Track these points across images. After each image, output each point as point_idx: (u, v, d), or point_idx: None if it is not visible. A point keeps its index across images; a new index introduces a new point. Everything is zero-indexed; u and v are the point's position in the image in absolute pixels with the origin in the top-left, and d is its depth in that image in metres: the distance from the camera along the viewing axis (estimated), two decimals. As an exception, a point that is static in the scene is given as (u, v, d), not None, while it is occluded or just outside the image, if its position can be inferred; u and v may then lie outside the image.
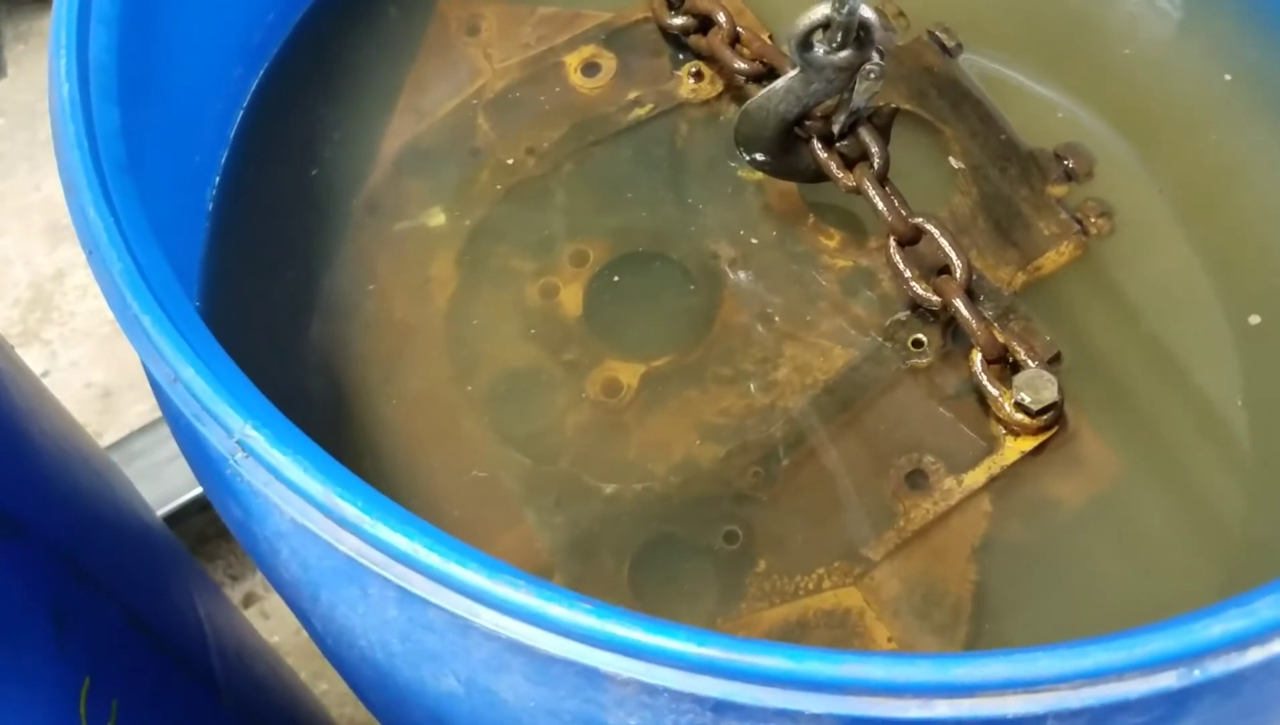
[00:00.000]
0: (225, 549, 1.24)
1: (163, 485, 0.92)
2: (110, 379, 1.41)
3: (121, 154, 0.46)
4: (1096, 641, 0.35)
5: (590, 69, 0.74)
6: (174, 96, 0.60)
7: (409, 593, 0.37)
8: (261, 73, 0.72)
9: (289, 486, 0.38)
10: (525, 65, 0.74)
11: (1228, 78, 0.74)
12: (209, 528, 1.20)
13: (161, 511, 0.95)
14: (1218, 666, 0.35)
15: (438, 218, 0.70)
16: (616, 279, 0.67)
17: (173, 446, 1.16)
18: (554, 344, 0.65)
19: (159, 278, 0.42)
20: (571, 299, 0.67)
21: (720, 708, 0.36)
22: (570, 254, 0.68)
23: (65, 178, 0.45)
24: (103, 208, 0.43)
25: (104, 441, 1.37)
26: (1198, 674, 0.35)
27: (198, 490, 1.06)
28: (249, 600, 1.28)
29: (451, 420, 0.64)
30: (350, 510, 0.37)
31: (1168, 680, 0.35)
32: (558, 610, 0.35)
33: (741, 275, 0.67)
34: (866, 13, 0.56)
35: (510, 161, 0.71)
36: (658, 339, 0.65)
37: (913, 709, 0.35)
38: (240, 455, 0.38)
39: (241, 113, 0.71)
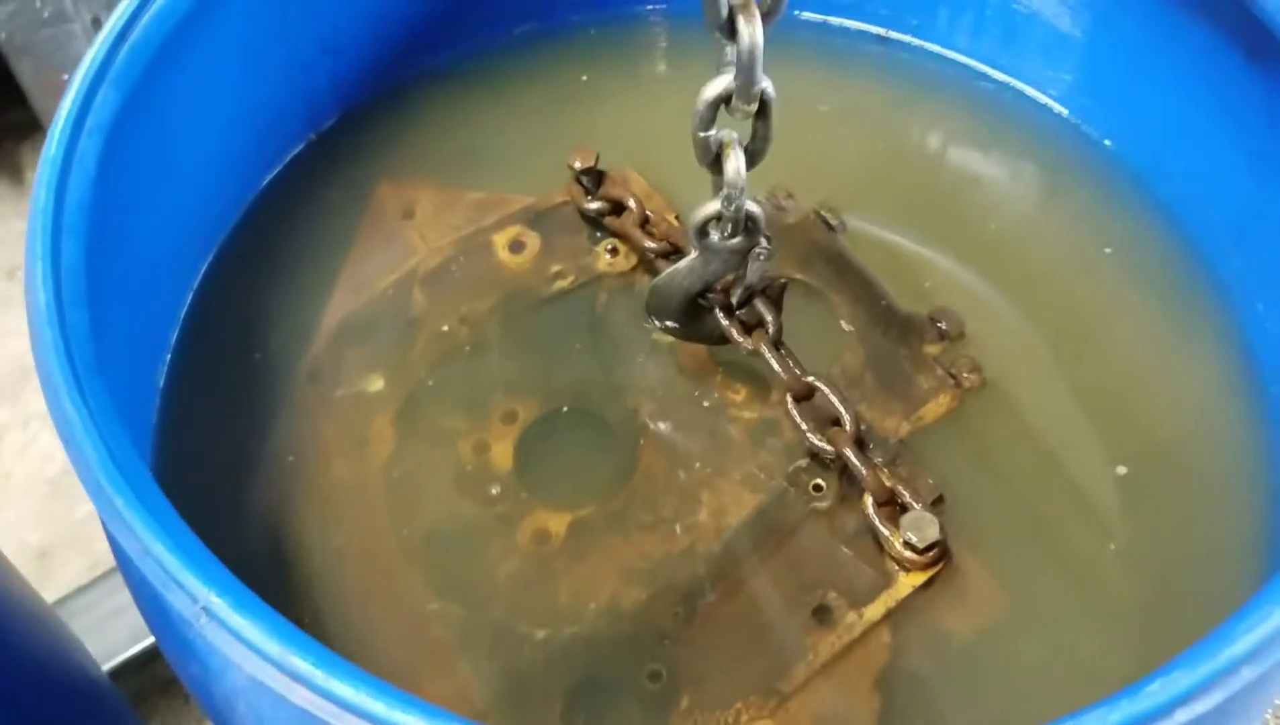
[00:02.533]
0: (162, 705, 1.24)
1: (102, 643, 0.93)
2: (46, 538, 1.42)
3: (90, 353, 0.51)
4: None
5: (516, 246, 0.81)
6: (133, 290, 0.66)
7: (357, 740, 0.42)
8: (210, 258, 0.78)
9: (248, 647, 0.42)
10: (457, 244, 0.81)
11: (1106, 250, 0.82)
12: (146, 684, 1.21)
13: (104, 668, 0.96)
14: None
15: (376, 383, 0.75)
16: (544, 434, 0.73)
17: (109, 605, 1.16)
18: (486, 497, 0.70)
19: (128, 462, 0.47)
20: (502, 454, 0.72)
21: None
22: (501, 413, 0.74)
23: (43, 374, 0.51)
24: (78, 402, 0.48)
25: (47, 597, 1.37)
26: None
27: (137, 648, 1.07)
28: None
29: (388, 573, 0.68)
30: (303, 666, 0.42)
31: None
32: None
33: (659, 427, 0.73)
34: (752, 207, 0.64)
35: (445, 329, 0.77)
36: (584, 489, 0.71)
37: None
38: (204, 620, 0.43)
39: (191, 295, 0.77)
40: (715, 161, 0.62)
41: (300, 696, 0.41)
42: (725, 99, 0.59)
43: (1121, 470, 0.71)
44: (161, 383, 0.74)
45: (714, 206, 0.63)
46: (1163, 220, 0.83)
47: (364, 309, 0.79)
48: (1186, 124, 0.82)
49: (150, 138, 0.69)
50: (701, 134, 0.60)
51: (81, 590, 1.12)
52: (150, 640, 1.08)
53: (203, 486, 0.70)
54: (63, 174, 0.59)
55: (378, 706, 0.41)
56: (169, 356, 0.75)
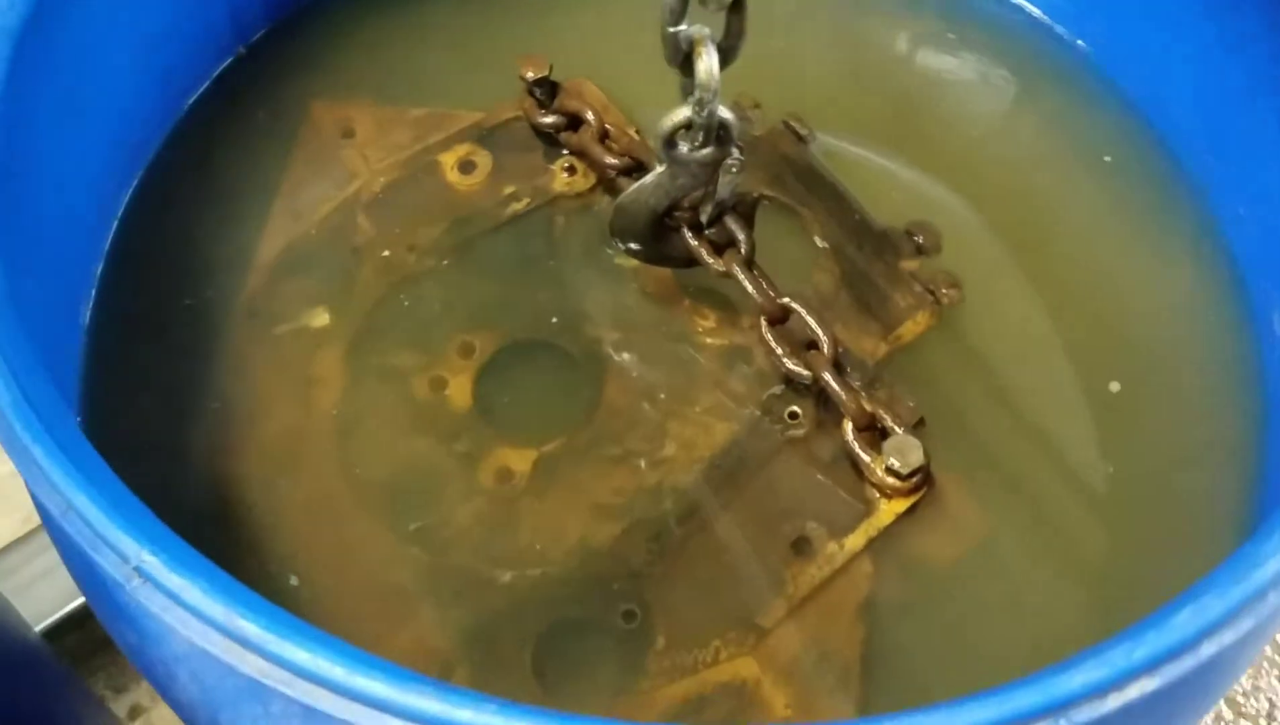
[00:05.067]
0: (106, 660, 1.19)
1: (37, 602, 0.89)
2: (-23, 491, 1.35)
3: (3, 286, 0.46)
4: (968, 701, 0.38)
5: (466, 166, 0.76)
6: (48, 218, 0.60)
7: (314, 709, 0.38)
8: (134, 185, 0.72)
9: (188, 610, 0.38)
10: (402, 165, 0.76)
11: (1081, 156, 0.79)
12: (86, 642, 1.16)
13: (41, 627, 0.92)
14: (1082, 715, 0.38)
15: (321, 318, 0.70)
16: (504, 368, 0.69)
17: (44, 562, 1.11)
18: (445, 436, 0.66)
19: (48, 407, 0.42)
20: (460, 391, 0.68)
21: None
22: (457, 346, 0.69)
23: (-56, 312, 0.45)
24: (-15, 341, 0.43)
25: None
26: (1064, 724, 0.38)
27: (73, 604, 1.03)
28: (135, 713, 1.23)
29: (344, 521, 0.64)
30: (253, 630, 0.37)
31: (1037, 732, 0.38)
32: (465, 714, 0.36)
33: (624, 357, 0.70)
34: (725, 113, 0.60)
35: (392, 258, 0.72)
36: (547, 424, 0.67)
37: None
38: (137, 581, 0.38)
39: (115, 225, 0.71)
40: (685, 61, 0.57)
41: (250, 665, 0.37)
42: (698, -12, 0.55)
43: (1115, 386, 0.69)
44: (86, 323, 0.68)
45: (684, 113, 0.59)
46: (1138, 123, 0.81)
47: (304, 238, 0.73)
48: (1162, 23, 0.79)
49: (63, 47, 0.62)
50: (671, 29, 0.56)
51: (10, 547, 1.06)
52: (86, 597, 1.03)
53: (136, 436, 0.65)
54: (-42, 94, 0.52)
55: (336, 671, 0.37)
56: (94, 293, 0.69)
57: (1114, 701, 0.39)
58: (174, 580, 0.38)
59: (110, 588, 0.41)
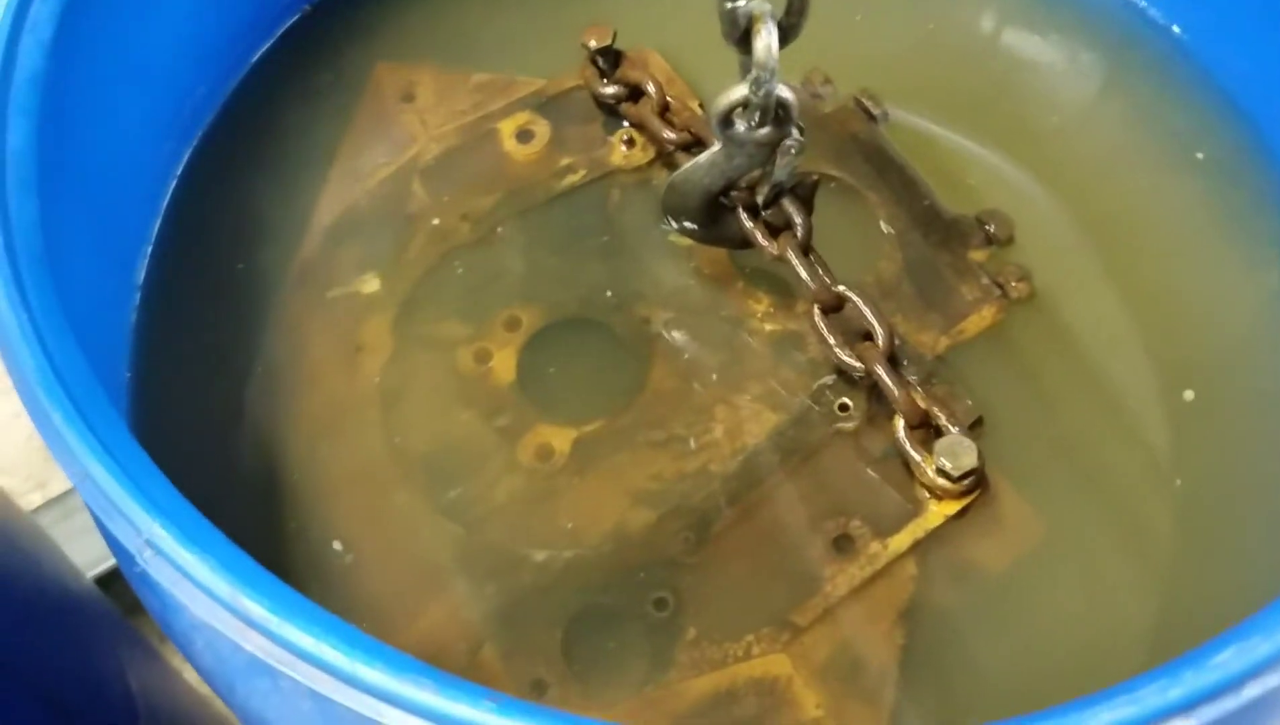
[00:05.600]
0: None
1: (89, 549, 0.91)
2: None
3: (39, 245, 0.46)
4: (993, 729, 0.36)
5: (524, 135, 0.74)
6: (100, 178, 0.60)
7: (317, 690, 0.37)
8: (194, 144, 0.73)
9: (196, 585, 0.38)
10: (460, 131, 0.75)
11: (1170, 149, 0.75)
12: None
13: (97, 571, 0.94)
14: (1109, 752, 0.36)
15: (372, 284, 0.70)
16: (549, 344, 0.68)
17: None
18: (486, 410, 0.66)
19: (73, 373, 0.42)
20: (504, 365, 0.67)
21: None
22: (504, 320, 0.68)
23: (-22, 269, 0.45)
24: (15, 301, 0.43)
25: (49, 491, 1.35)
26: (1089, 760, 0.36)
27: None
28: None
29: (383, 489, 0.64)
30: (256, 610, 0.37)
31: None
32: (462, 709, 0.36)
33: (673, 338, 0.68)
34: (784, 93, 0.57)
35: (445, 227, 0.72)
36: (590, 403, 0.66)
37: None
38: (149, 554, 0.38)
39: (173, 185, 0.71)
40: (743, 38, 0.55)
41: (255, 644, 0.37)
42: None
43: (1189, 395, 0.65)
44: (140, 281, 0.69)
45: (740, 91, 0.56)
46: (1232, 117, 0.76)
47: (359, 203, 0.73)
48: (1266, 10, 0.73)
49: (120, 2, 0.62)
50: (729, 4, 0.53)
51: (58, 499, 1.09)
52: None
53: (185, 395, 0.66)
54: (11, 40, 0.52)
55: (339, 658, 0.36)
56: (149, 251, 0.69)
57: (1146, 741, 0.36)
58: (184, 556, 0.38)
59: (126, 558, 0.41)
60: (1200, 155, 0.75)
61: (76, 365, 0.43)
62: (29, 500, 1.31)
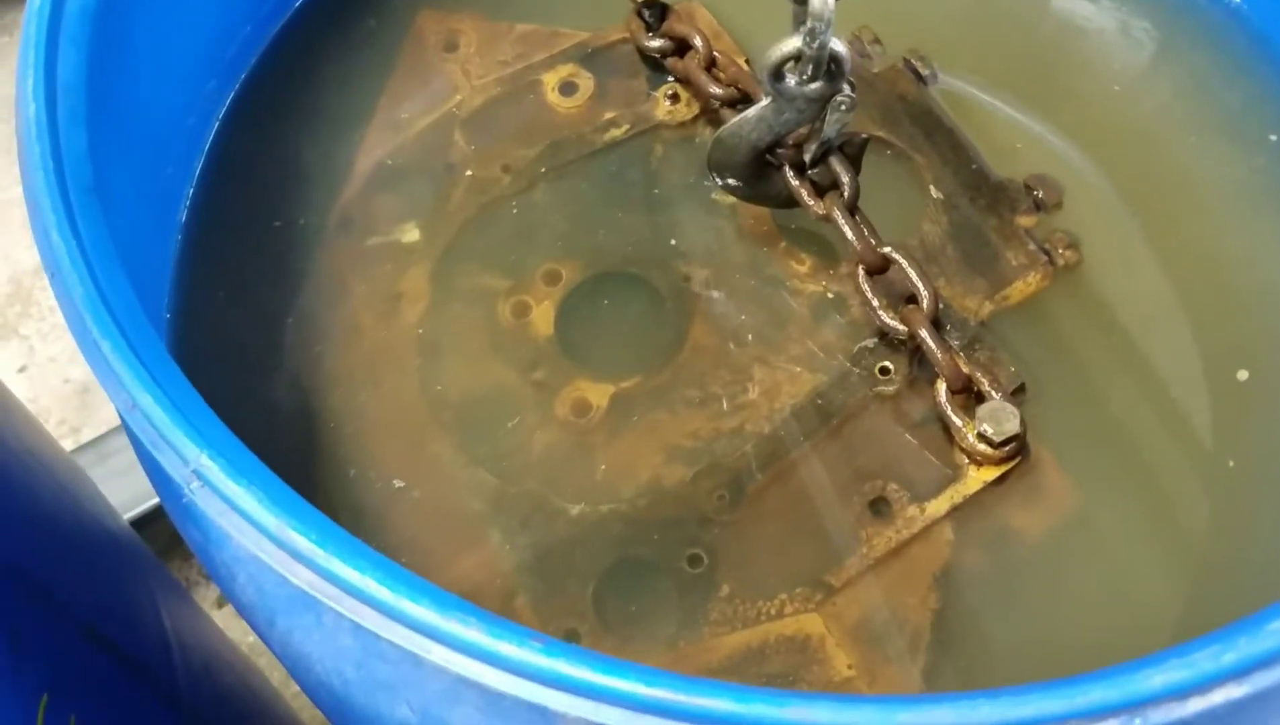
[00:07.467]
0: (192, 556, 1.24)
1: (135, 487, 0.91)
2: (88, 375, 1.41)
3: (88, 176, 0.46)
4: (1038, 688, 0.36)
5: (567, 88, 0.74)
6: (146, 114, 0.60)
7: (363, 626, 0.37)
8: (236, 86, 0.72)
9: (243, 517, 0.38)
10: (503, 82, 0.74)
11: (1226, 121, 0.73)
12: (173, 532, 1.20)
13: (132, 513, 0.95)
14: (1159, 716, 0.36)
15: (411, 234, 0.70)
16: (588, 299, 0.68)
17: (131, 453, 1.15)
18: (524, 363, 0.65)
19: (121, 303, 0.42)
20: (543, 318, 0.67)
21: (668, 746, 0.36)
22: (543, 273, 0.68)
23: (30, 198, 0.45)
24: (66, 231, 0.43)
25: (81, 437, 1.37)
26: (1139, 724, 0.35)
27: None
28: (223, 600, 1.28)
29: (419, 438, 0.64)
30: (303, 543, 0.37)
31: (1108, 729, 0.36)
32: (507, 648, 0.36)
33: (713, 297, 0.67)
34: (838, 46, 0.56)
35: (486, 178, 0.71)
36: (628, 360, 0.66)
37: (857, 751, 0.36)
38: (196, 484, 0.38)
39: (216, 126, 0.71)
40: (798, -11, 0.54)
41: (300, 577, 0.37)
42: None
43: (1243, 375, 0.64)
44: (183, 222, 0.69)
45: (794, 43, 0.55)
46: (1291, 89, 0.74)
47: (400, 151, 0.72)
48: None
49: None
50: (783, -46, 0.52)
51: (116, 430, 1.10)
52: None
53: (224, 337, 0.66)
54: (63, -30, 0.52)
55: (383, 592, 0.36)
56: (190, 190, 0.69)
57: (1195, 705, 0.36)
58: (231, 487, 0.38)
59: (173, 488, 0.41)
60: (1257, 131, 0.73)
61: (125, 296, 0.43)
62: (62, 446, 1.32)
